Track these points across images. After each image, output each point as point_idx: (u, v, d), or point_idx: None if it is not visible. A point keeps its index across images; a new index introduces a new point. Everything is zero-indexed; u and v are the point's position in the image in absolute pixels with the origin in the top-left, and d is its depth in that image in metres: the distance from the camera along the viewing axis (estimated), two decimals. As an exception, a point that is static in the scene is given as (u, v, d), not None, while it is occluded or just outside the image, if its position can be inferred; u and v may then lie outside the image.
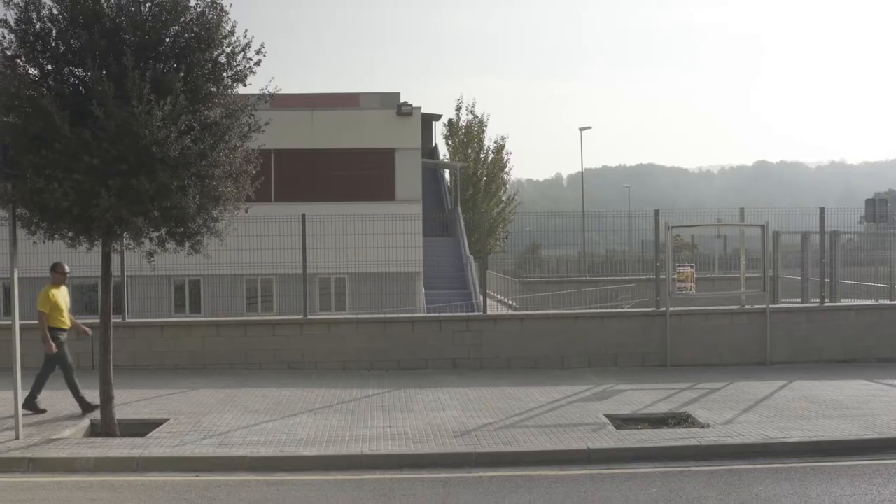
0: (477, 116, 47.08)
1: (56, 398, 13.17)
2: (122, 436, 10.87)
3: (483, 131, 46.98)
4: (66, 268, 12.49)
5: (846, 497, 8.14)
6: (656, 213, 17.38)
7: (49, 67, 10.28)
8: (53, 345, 12.01)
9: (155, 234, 10.86)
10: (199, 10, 10.46)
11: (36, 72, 10.30)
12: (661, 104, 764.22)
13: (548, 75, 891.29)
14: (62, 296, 12.44)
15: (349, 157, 29.92)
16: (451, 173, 42.91)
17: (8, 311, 13.39)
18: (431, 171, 40.24)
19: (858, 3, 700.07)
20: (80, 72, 10.27)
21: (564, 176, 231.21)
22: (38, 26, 10.18)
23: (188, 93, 10.19)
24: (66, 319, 12.42)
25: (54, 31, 10.18)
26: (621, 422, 11.21)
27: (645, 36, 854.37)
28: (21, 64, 10.24)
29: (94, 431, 11.22)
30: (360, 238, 18.45)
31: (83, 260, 12.85)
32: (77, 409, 12.25)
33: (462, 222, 33.88)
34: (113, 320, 11.54)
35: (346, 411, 12.11)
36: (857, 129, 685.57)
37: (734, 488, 8.39)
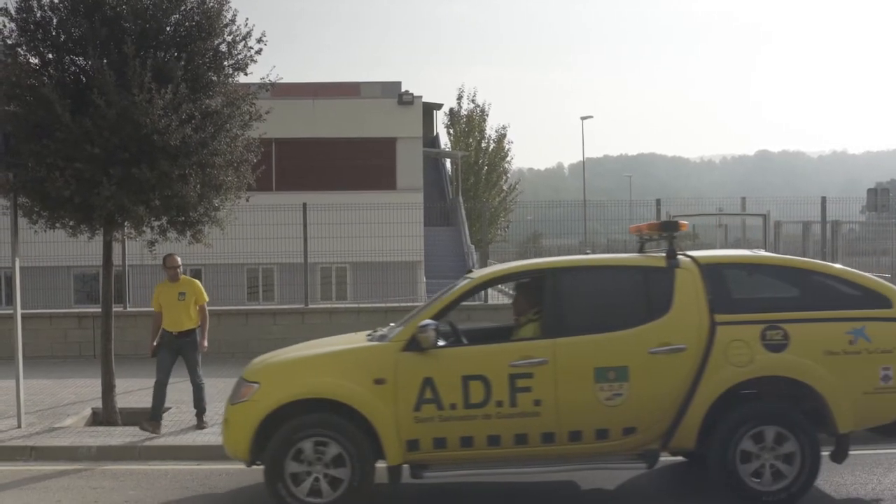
0: (478, 106, 46.97)
1: (58, 387, 13.20)
2: (124, 424, 10.90)
3: (484, 120, 46.84)
4: (176, 260, 10.68)
5: (846, 486, 8.16)
6: (657, 202, 17.37)
7: (50, 56, 10.28)
8: (153, 347, 10.69)
9: (156, 223, 10.87)
10: (199, -2, 10.46)
11: (37, 60, 10.30)
12: (662, 94, 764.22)
13: (549, 65, 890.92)
14: (169, 292, 10.64)
15: (350, 147, 29.88)
16: (452, 163, 42.85)
17: (10, 300, 13.36)
18: (432, 160, 40.18)
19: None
20: (80, 60, 10.27)
21: (566, 165, 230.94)
22: (38, 15, 10.18)
23: (189, 81, 10.19)
24: (170, 320, 10.58)
25: (55, 20, 10.17)
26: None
27: (646, 25, 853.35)
28: (22, 53, 10.23)
29: (96, 420, 11.25)
30: (361, 227, 18.42)
31: (84, 249, 12.86)
32: (77, 398, 12.28)
33: (463, 212, 33.82)
34: (114, 309, 11.57)
35: (347, 400, 12.09)
36: (860, 118, 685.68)
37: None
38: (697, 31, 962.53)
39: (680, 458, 8.71)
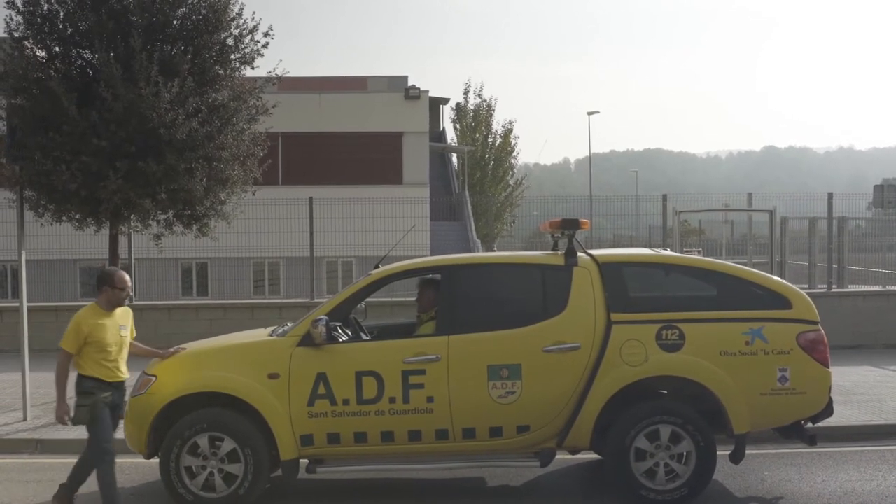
0: (485, 100, 46.88)
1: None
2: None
3: (491, 115, 46.79)
4: (127, 279, 7.38)
5: (851, 482, 8.14)
6: (664, 197, 17.31)
7: (57, 49, 10.30)
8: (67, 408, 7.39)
9: (162, 217, 10.89)
10: (206, -9, 10.47)
11: (43, 54, 10.32)
12: (669, 88, 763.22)
13: (556, 58, 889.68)
14: (109, 327, 7.30)
15: (357, 141, 29.88)
16: (458, 157, 42.80)
17: (16, 293, 13.37)
18: (439, 154, 40.15)
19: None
20: (87, 54, 10.29)
21: (572, 160, 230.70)
22: (45, 8, 10.20)
23: (196, 75, 10.20)
24: (111, 366, 7.36)
25: (62, 13, 10.20)
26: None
27: (652, 19, 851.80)
28: (29, 46, 10.25)
29: (102, 413, 11.23)
30: (367, 221, 18.43)
31: (90, 242, 12.88)
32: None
33: (469, 206, 33.80)
34: (120, 302, 11.57)
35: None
36: (866, 114, 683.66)
37: (739, 473, 8.40)
38: (704, 25, 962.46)
39: (592, 457, 8.70)
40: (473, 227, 32.76)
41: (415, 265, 8.18)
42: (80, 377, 7.22)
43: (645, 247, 9.80)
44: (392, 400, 7.30)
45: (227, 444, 7.34)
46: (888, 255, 19.97)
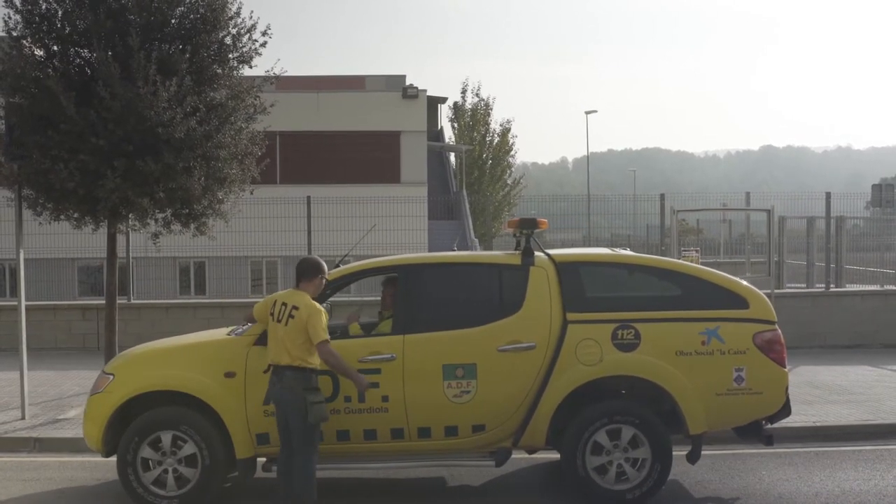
0: (483, 99, 46.82)
1: (62, 378, 13.21)
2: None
3: (489, 114, 46.76)
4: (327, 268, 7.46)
5: (849, 482, 8.15)
6: (662, 197, 17.31)
7: (55, 48, 10.29)
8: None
9: (160, 216, 10.89)
10: (204, -10, 10.46)
11: (42, 53, 10.31)
12: (667, 88, 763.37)
13: (554, 58, 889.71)
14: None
15: (355, 140, 29.88)
16: (456, 156, 42.77)
17: (14, 291, 13.37)
18: (437, 153, 40.13)
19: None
20: (85, 52, 10.29)
21: (570, 160, 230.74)
22: (43, 7, 10.20)
23: (194, 74, 10.20)
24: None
25: (60, 12, 10.19)
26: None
27: (652, 18, 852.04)
28: (27, 45, 10.25)
29: (100, 412, 11.24)
30: (365, 220, 18.39)
31: (89, 241, 12.87)
32: (82, 390, 12.28)
33: (467, 205, 33.79)
34: (118, 301, 11.58)
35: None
36: (864, 114, 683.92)
37: (738, 472, 8.40)
38: (704, 26, 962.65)
39: (553, 457, 8.61)
40: (471, 227, 32.75)
41: (371, 265, 8.13)
42: (310, 372, 6.95)
43: (642, 247, 9.78)
44: (347, 399, 7.29)
45: (189, 448, 7.31)
46: (886, 255, 19.98)
